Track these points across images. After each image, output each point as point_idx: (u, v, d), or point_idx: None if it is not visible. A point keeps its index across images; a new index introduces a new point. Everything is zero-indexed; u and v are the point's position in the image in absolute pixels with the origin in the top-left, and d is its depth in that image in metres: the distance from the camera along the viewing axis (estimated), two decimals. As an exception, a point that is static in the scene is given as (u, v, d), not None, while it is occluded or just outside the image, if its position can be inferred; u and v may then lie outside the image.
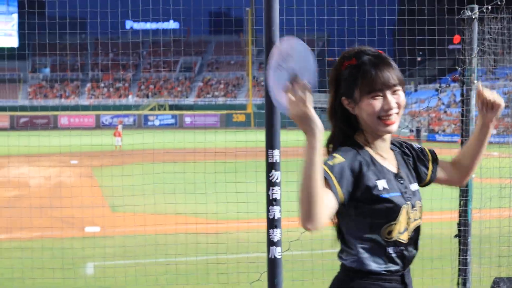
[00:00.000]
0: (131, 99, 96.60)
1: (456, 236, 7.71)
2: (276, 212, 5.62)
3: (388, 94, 3.29)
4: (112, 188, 10.95)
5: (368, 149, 3.38)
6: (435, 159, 3.65)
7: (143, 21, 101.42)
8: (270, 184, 5.59)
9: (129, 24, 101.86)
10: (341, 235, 3.41)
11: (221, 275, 8.32)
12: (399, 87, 3.33)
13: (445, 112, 68.15)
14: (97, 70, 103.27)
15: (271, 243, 5.67)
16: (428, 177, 3.62)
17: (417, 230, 3.41)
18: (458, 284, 7.78)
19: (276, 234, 5.66)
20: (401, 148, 3.58)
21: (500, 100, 3.42)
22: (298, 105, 2.86)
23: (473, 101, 7.61)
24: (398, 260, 3.33)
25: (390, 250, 3.30)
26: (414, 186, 3.44)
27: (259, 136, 8.56)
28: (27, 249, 10.65)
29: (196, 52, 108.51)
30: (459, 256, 7.74)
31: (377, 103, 3.28)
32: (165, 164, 9.99)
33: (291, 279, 8.91)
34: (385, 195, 3.26)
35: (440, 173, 3.66)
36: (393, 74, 3.31)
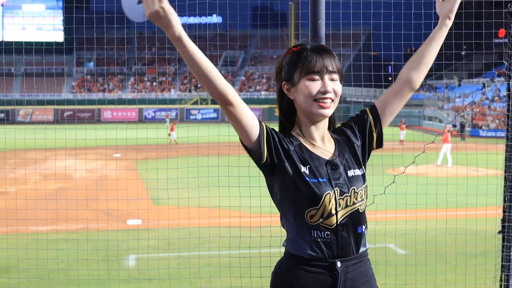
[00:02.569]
0: (174, 93, 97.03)
1: (499, 232, 7.65)
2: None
3: (326, 78, 3.41)
4: (156, 181, 11.03)
5: (300, 139, 3.51)
6: (370, 111, 3.71)
7: (186, 15, 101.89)
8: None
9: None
10: (279, 210, 3.54)
11: (264, 268, 8.34)
12: (337, 76, 3.45)
13: (489, 107, 67.43)
14: (141, 64, 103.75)
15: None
16: (377, 133, 3.69)
17: (354, 216, 3.43)
18: (501, 280, 7.72)
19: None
20: (344, 134, 3.66)
21: None
22: (153, 3, 2.95)
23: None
24: (324, 247, 3.38)
25: (316, 233, 3.38)
26: (353, 172, 3.48)
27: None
28: (72, 240, 10.77)
29: (239, 46, 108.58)
30: (502, 252, 7.67)
31: (315, 85, 3.41)
32: (210, 157, 10.02)
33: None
34: (307, 179, 3.36)
35: (384, 107, 3.72)
36: (333, 62, 3.45)
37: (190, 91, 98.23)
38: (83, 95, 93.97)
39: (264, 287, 8.23)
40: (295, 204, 3.40)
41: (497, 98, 68.18)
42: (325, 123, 3.53)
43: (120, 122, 68.94)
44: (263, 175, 3.56)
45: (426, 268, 8.76)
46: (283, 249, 3.61)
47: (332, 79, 3.43)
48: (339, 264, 3.39)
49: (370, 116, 3.68)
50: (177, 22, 3.03)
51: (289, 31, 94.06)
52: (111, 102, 70.34)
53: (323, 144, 3.53)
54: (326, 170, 3.42)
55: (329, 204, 3.35)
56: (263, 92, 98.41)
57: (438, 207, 8.80)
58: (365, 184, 3.51)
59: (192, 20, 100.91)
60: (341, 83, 3.49)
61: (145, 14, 3.01)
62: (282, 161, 3.40)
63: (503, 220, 7.58)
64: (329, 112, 3.43)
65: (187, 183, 9.62)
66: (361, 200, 3.45)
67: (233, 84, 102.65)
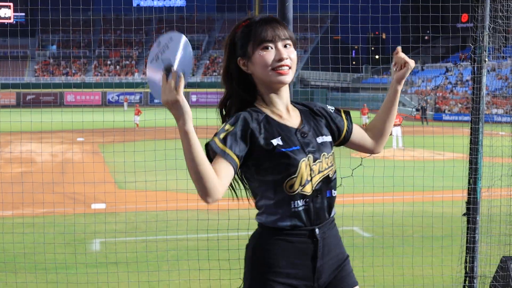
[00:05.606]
0: (138, 77, 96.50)
1: (464, 214, 7.73)
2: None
3: (280, 45, 3.43)
4: (123, 164, 10.97)
5: (266, 111, 3.51)
6: (350, 120, 3.80)
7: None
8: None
9: (136, 1, 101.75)
10: (255, 197, 3.57)
11: (232, 251, 8.37)
12: (290, 43, 3.47)
13: (451, 91, 67.95)
14: (104, 47, 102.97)
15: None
16: (343, 134, 3.76)
17: (326, 181, 3.51)
18: (466, 262, 7.81)
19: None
20: (311, 108, 3.70)
21: (411, 61, 3.67)
22: (170, 92, 3.02)
23: (484, 79, 7.60)
24: (303, 215, 3.43)
25: (295, 203, 3.41)
26: (322, 139, 3.55)
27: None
28: (38, 224, 10.70)
29: (204, 30, 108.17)
30: (467, 234, 7.75)
31: (269, 54, 3.43)
32: (177, 140, 9.99)
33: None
34: (281, 150, 3.38)
35: (354, 136, 3.80)
36: (284, 31, 3.46)
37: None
38: (45, 78, 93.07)
39: (232, 269, 8.24)
40: (274, 178, 3.40)
41: (459, 82, 68.73)
42: (286, 92, 3.55)
43: (84, 106, 68.42)
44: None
45: (393, 251, 8.83)
46: (251, 232, 3.62)
47: (285, 46, 3.46)
48: (317, 231, 3.46)
49: (344, 116, 3.81)
50: (189, 117, 3.07)
51: (254, 14, 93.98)
52: (77, 85, 69.82)
53: (288, 114, 3.55)
54: (297, 138, 3.46)
55: (305, 171, 3.40)
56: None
57: (404, 190, 8.85)
58: (333, 150, 3.60)
59: (156, 3, 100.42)
60: (295, 50, 3.52)
61: (161, 100, 3.08)
62: (250, 152, 3.40)
63: (468, 203, 7.67)
64: (288, 78, 3.45)
65: (154, 166, 9.59)
66: (331, 166, 3.53)
67: (197, 68, 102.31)
